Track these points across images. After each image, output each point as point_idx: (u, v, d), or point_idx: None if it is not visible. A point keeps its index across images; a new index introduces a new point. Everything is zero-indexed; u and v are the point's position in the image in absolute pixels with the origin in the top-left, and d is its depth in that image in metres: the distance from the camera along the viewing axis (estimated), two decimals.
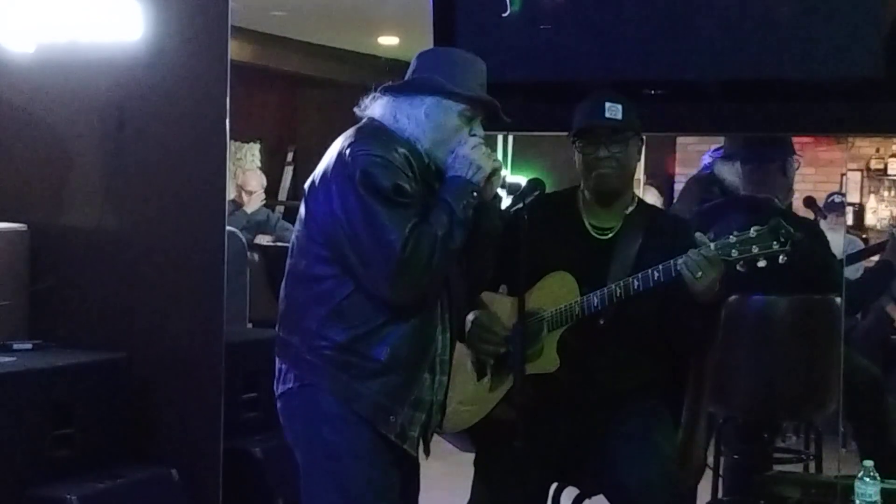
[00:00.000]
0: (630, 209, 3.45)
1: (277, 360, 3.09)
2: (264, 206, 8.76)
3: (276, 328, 3.10)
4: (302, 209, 3.06)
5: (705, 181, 5.34)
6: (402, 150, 2.96)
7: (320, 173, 3.01)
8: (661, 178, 10.20)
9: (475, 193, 2.98)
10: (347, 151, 2.93)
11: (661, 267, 3.14)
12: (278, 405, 3.10)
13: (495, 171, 3.04)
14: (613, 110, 3.35)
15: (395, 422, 2.97)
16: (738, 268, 3.05)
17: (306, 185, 3.07)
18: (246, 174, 8.83)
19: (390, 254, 2.84)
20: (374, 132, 3.01)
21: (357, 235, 2.89)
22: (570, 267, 3.33)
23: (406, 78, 3.12)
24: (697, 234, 3.13)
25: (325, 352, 2.96)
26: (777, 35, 3.72)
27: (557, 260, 3.35)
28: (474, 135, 3.05)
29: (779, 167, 4.52)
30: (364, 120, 3.09)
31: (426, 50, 3.26)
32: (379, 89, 3.07)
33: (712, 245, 3.07)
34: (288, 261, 3.10)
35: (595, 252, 3.38)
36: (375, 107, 3.07)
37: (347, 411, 2.96)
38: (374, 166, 2.88)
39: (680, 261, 3.09)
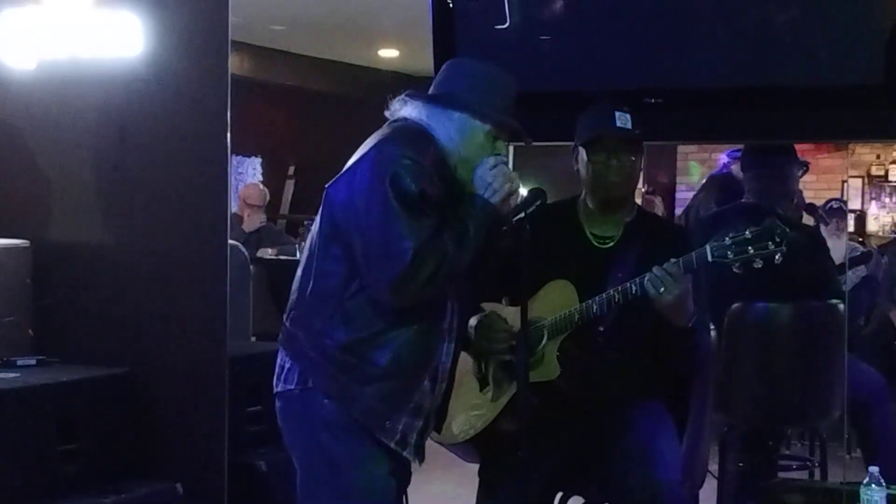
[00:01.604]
0: (630, 218, 3.47)
1: (281, 352, 3.07)
2: (266, 220, 8.76)
3: (284, 317, 3.08)
4: (323, 201, 3.04)
5: (723, 181, 5.37)
6: (434, 156, 2.94)
7: (349, 165, 2.99)
8: (661, 188, 10.22)
9: (492, 215, 2.98)
10: (383, 149, 2.92)
11: (637, 280, 3.16)
12: (277, 404, 3.08)
13: (513, 191, 3.02)
14: (623, 119, 3.36)
15: (390, 428, 2.96)
16: (734, 269, 3.06)
17: (332, 180, 3.03)
18: (249, 188, 8.81)
19: (399, 260, 2.82)
20: (410, 133, 2.98)
21: (370, 231, 2.87)
22: (571, 276, 3.33)
23: (433, 84, 3.10)
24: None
25: (328, 350, 2.95)
26: (777, 42, 3.73)
27: (559, 269, 3.36)
28: (498, 154, 3.03)
29: (782, 175, 4.52)
30: (396, 119, 3.06)
31: (458, 59, 3.23)
32: (407, 94, 3.06)
33: (707, 246, 3.08)
34: (304, 253, 3.09)
35: (596, 261, 3.39)
36: (409, 109, 3.05)
37: (347, 418, 2.95)
38: (406, 169, 2.86)
39: (646, 278, 3.12)
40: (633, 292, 3.17)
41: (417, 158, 2.90)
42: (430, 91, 3.10)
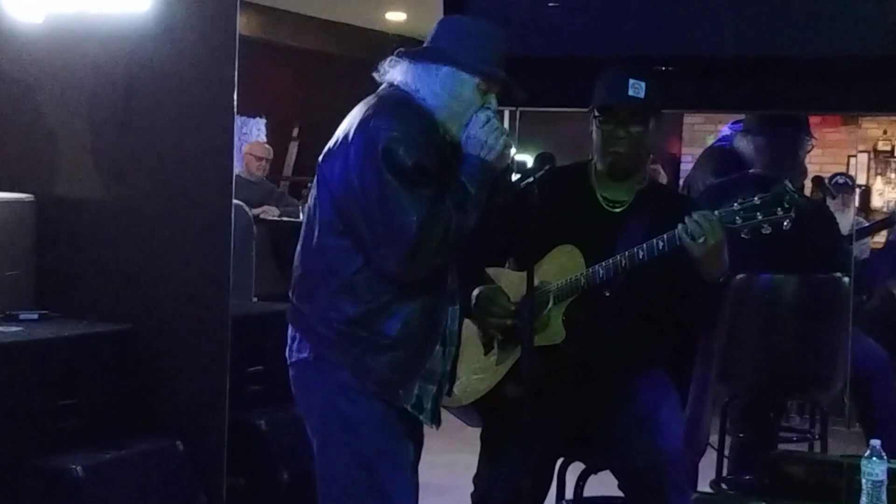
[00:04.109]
0: (642, 186, 3.45)
1: (290, 327, 3.07)
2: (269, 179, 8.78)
3: (290, 294, 3.08)
4: (317, 176, 3.03)
5: (721, 153, 5.33)
6: (422, 124, 2.92)
7: (339, 139, 2.97)
8: (666, 158, 10.20)
9: (490, 173, 2.96)
10: (371, 124, 2.89)
11: (665, 236, 3.14)
12: (291, 373, 3.07)
13: (506, 146, 3.00)
14: (637, 88, 3.32)
15: (403, 395, 2.95)
16: (742, 235, 3.05)
17: (323, 153, 3.02)
18: (252, 144, 8.85)
19: (405, 234, 2.81)
20: (397, 104, 2.96)
21: (371, 210, 2.86)
22: (581, 238, 3.32)
23: (426, 43, 3.07)
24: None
25: (336, 325, 2.94)
26: (788, 12, 3.70)
27: (569, 232, 3.35)
28: (488, 107, 3.00)
29: (793, 147, 4.50)
30: (385, 86, 3.04)
31: (449, 16, 3.20)
32: (396, 53, 3.03)
33: (715, 212, 3.06)
34: (303, 228, 3.07)
35: (606, 224, 3.37)
36: (395, 72, 3.02)
37: (362, 384, 2.95)
38: (397, 143, 2.84)
39: (680, 226, 3.09)
40: (640, 257, 3.17)
41: (406, 129, 2.87)
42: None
